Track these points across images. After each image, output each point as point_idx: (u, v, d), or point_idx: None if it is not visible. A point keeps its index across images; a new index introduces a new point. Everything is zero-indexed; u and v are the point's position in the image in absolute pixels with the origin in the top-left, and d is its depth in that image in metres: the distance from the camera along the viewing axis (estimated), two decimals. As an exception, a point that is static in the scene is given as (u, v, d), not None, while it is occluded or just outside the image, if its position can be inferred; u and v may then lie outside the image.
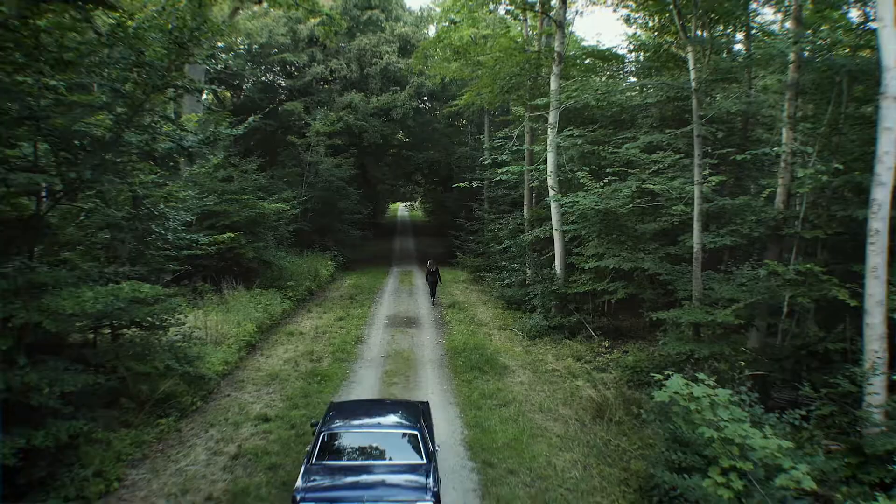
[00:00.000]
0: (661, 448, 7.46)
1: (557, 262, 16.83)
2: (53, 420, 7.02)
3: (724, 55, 17.36)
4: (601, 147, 13.61)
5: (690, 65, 10.87)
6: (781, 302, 10.72)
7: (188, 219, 10.41)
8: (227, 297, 17.39)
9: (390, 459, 6.89)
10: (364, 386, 11.69)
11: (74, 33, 6.62)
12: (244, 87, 36.10)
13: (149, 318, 10.84)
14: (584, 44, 23.98)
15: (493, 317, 18.64)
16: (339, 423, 7.35)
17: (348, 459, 6.89)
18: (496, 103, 19.35)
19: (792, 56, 12.37)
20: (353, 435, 7.20)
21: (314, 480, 6.50)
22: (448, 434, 9.47)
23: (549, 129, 15.71)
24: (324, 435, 7.08)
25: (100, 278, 7.97)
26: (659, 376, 6.50)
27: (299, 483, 6.46)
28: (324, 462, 6.79)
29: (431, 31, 37.53)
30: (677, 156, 14.17)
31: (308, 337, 15.56)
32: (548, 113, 16.24)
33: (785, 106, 13.15)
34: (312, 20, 34.70)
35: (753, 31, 16.11)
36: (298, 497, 6.28)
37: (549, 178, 16.39)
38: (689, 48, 10.80)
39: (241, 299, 17.50)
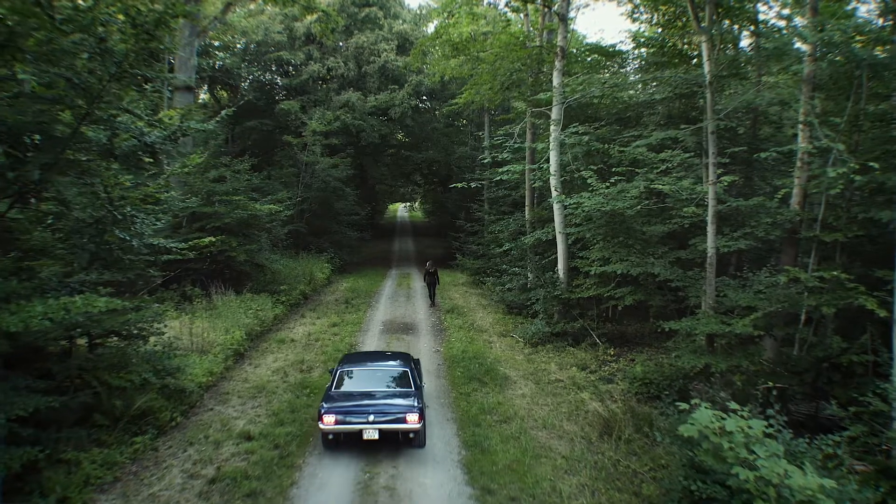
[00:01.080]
0: (678, 476, 6.75)
1: (560, 266, 16.14)
2: (5, 447, 6.33)
3: (732, 50, 16.71)
4: (608, 145, 12.90)
5: (704, 56, 10.16)
6: (799, 310, 10.03)
7: (160, 224, 9.63)
8: (216, 303, 16.71)
9: (388, 388, 9.27)
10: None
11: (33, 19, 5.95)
12: (241, 86, 35.38)
13: (126, 328, 10.21)
14: (588, 41, 23.36)
15: (493, 322, 17.95)
16: (349, 365, 9.89)
17: (358, 388, 9.25)
18: (497, 101, 18.67)
19: (808, 48, 11.70)
20: (361, 372, 9.67)
21: (334, 401, 8.85)
22: (444, 454, 8.78)
23: (551, 126, 15.00)
24: (339, 372, 9.59)
25: (62, 288, 7.28)
26: (683, 405, 5.78)
27: (323, 404, 8.79)
28: (340, 390, 9.21)
29: (430, 29, 36.86)
30: (686, 154, 13.49)
31: (300, 345, 14.85)
32: (550, 109, 15.55)
33: (801, 102, 12.48)
34: (309, 17, 34.05)
35: (761, 27, 15.43)
36: (322, 411, 8.63)
37: (551, 178, 15.69)
38: (702, 39, 10.10)
39: (232, 304, 16.83)
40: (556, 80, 15.61)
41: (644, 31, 20.00)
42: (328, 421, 8.55)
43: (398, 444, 8.87)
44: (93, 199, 6.91)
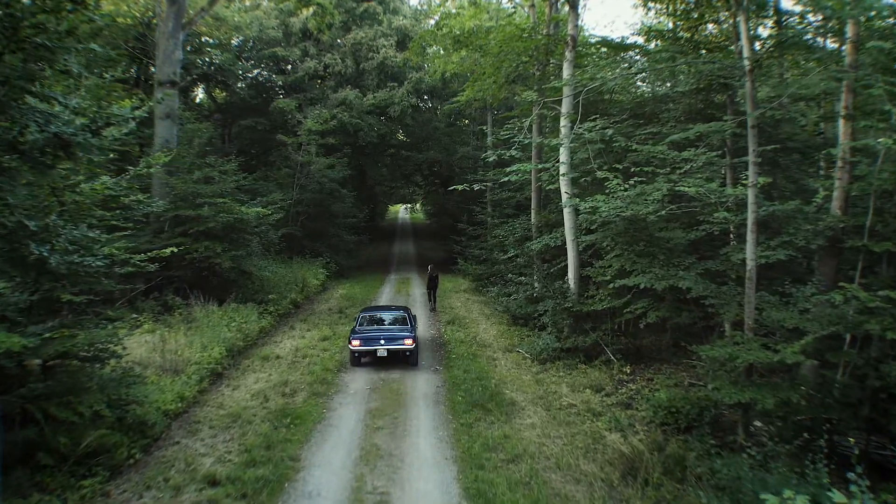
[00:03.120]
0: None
1: (571, 275, 14.79)
2: None
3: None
4: (627, 141, 11.54)
5: (743, 37, 8.80)
6: (858, 333, 8.67)
7: (91, 234, 8.25)
8: (196, 314, 15.40)
9: (393, 324, 13.89)
10: (341, 432, 9.64)
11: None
12: (234, 85, 34.08)
13: (82, 349, 8.93)
14: (593, 37, 22.00)
15: (497, 335, 16.60)
16: (367, 313, 14.80)
17: (374, 324, 13.95)
18: (501, 95, 17.42)
19: (850, 30, 10.36)
20: (375, 316, 14.45)
21: (358, 333, 13.35)
22: (442, 505, 7.46)
23: (562, 120, 13.63)
24: (361, 317, 14.34)
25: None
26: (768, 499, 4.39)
27: (351, 335, 13.40)
28: (363, 326, 13.78)
29: (431, 24, 35.57)
30: (713, 153, 12.15)
31: (285, 362, 13.53)
32: (559, 104, 14.21)
33: (842, 95, 11.14)
34: (305, 12, 32.76)
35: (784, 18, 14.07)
36: (352, 338, 13.22)
37: (561, 178, 14.35)
38: (739, 17, 8.75)
39: (214, 316, 15.52)
40: (566, 72, 14.28)
41: (654, 24, 18.69)
42: (355, 344, 13.17)
43: (399, 360, 13.41)
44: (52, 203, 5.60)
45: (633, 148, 12.14)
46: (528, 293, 16.39)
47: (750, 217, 8.89)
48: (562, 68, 15.40)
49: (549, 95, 13.32)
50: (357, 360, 13.30)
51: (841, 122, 11.17)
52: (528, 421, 10.25)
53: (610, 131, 11.33)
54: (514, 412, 10.62)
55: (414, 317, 14.91)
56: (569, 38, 14.48)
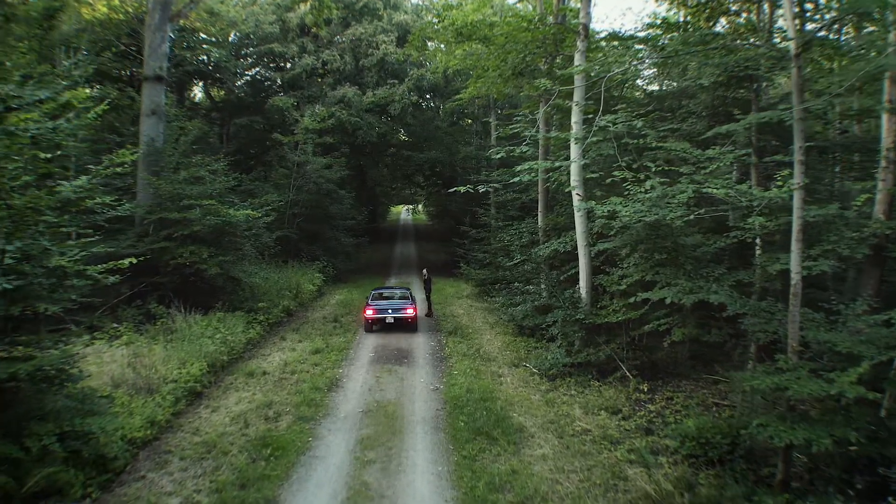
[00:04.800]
0: None
1: (582, 284, 13.66)
2: None
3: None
4: (646, 138, 10.41)
5: (788, 16, 7.66)
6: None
7: (44, 242, 7.25)
8: (178, 325, 14.30)
9: (397, 298, 18.18)
10: (327, 466, 8.52)
11: None
12: (230, 82, 33.02)
13: (36, 372, 7.85)
14: (602, 33, 20.88)
15: (502, 347, 15.48)
16: (377, 290, 19.46)
17: (384, 300, 18.12)
18: (507, 90, 16.29)
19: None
20: (384, 292, 19.13)
21: (372, 304, 17.51)
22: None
23: (573, 113, 12.48)
24: (373, 293, 18.75)
25: None
26: None
27: (366, 307, 17.52)
28: (375, 301, 17.85)
29: (434, 19, 34.47)
30: (742, 152, 11.03)
31: (272, 379, 12.43)
32: (572, 102, 13.10)
33: (885, 88, 10.02)
34: (303, 6, 31.72)
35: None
36: (367, 307, 17.49)
37: (572, 179, 13.24)
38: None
39: (197, 327, 14.42)
40: (578, 63, 13.17)
41: (668, 16, 17.53)
42: (369, 314, 17.10)
43: (403, 327, 17.18)
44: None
45: (653, 145, 11.03)
46: (536, 303, 15.25)
47: (795, 223, 7.76)
48: (571, 61, 14.30)
49: (564, 83, 12.16)
50: (370, 326, 17.22)
51: (885, 116, 10.05)
52: (538, 451, 9.12)
53: (639, 123, 10.17)
54: (523, 440, 9.50)
55: (413, 297, 18.78)
56: (580, 27, 13.36)
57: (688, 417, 9.86)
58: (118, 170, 9.01)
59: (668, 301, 8.96)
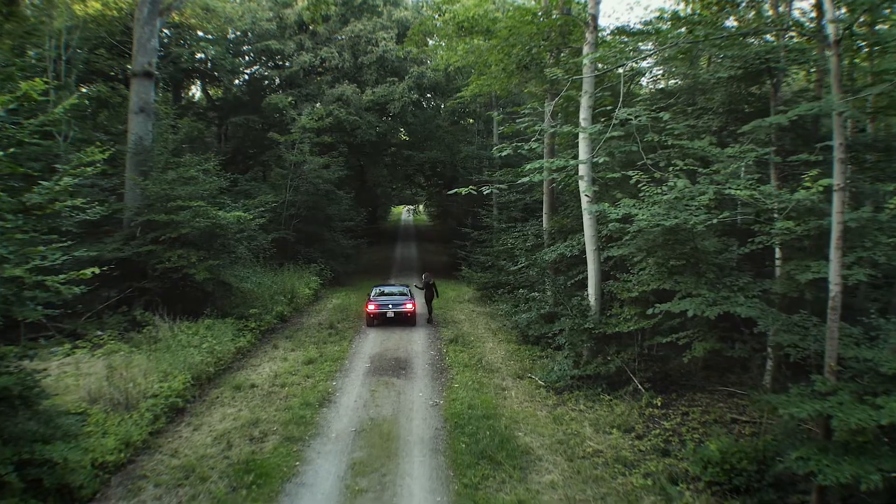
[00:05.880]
0: None
1: (591, 291, 12.88)
2: None
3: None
4: (674, 132, 9.59)
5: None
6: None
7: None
8: (163, 333, 13.55)
9: (398, 295, 18.93)
10: (314, 496, 7.74)
11: None
12: (225, 80, 32.26)
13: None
14: (608, 28, 20.12)
15: (505, 356, 14.69)
16: (379, 288, 19.89)
17: (384, 296, 18.75)
18: (511, 85, 15.53)
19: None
20: (385, 290, 19.69)
21: (374, 299, 18.36)
22: None
23: (582, 104, 11.68)
24: (375, 290, 19.31)
25: None
26: None
27: (368, 302, 18.40)
28: (377, 297, 18.55)
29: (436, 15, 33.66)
30: (764, 151, 10.22)
31: (260, 393, 11.65)
32: (581, 93, 12.30)
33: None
34: (301, 2, 30.97)
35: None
36: (368, 302, 18.36)
37: (580, 179, 12.46)
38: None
39: (184, 335, 13.67)
40: (586, 60, 12.37)
41: (678, 10, 16.72)
42: (371, 308, 17.93)
43: (402, 322, 17.95)
44: None
45: (670, 143, 10.24)
46: (542, 311, 14.44)
47: (835, 228, 6.96)
48: (578, 55, 13.52)
49: (578, 72, 11.34)
50: (372, 321, 17.93)
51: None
52: (547, 478, 8.33)
53: (666, 115, 9.34)
54: (530, 464, 8.71)
55: (412, 294, 19.49)
56: (589, 17, 12.58)
57: (709, 439, 9.07)
58: (88, 170, 8.25)
59: (690, 314, 8.16)
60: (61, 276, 7.00)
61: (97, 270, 7.16)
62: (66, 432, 8.38)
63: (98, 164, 8.61)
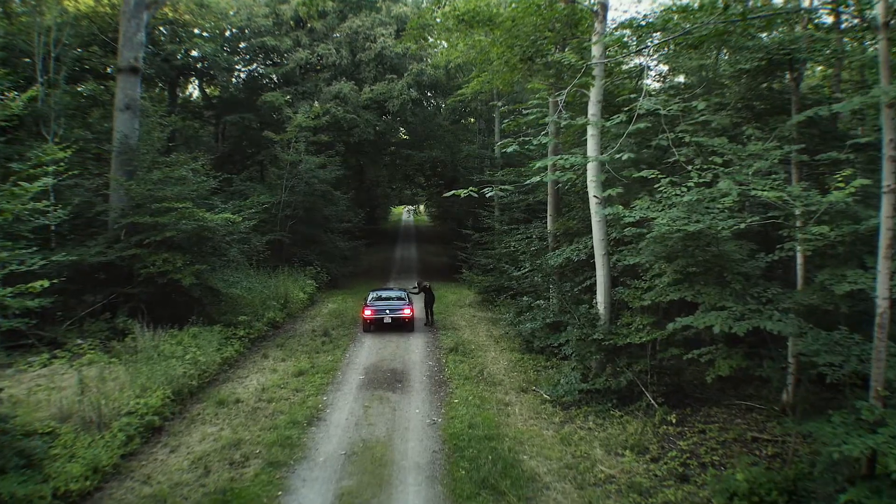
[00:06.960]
0: None
1: (600, 298, 12.06)
2: None
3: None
4: (685, 131, 8.80)
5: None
6: None
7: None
8: (143, 343, 12.76)
9: (395, 300, 18.29)
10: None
11: None
12: (220, 77, 31.46)
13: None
14: (615, 22, 19.26)
15: (508, 367, 13.88)
16: (375, 293, 19.31)
17: (381, 301, 18.19)
18: (514, 79, 14.73)
19: None
20: (382, 295, 19.03)
21: (370, 305, 17.74)
22: None
23: (591, 91, 10.84)
24: (371, 295, 18.78)
25: None
26: None
27: (364, 307, 17.77)
28: (374, 302, 17.97)
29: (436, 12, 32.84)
30: (789, 148, 9.40)
31: (245, 409, 10.85)
32: (589, 92, 11.49)
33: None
34: (297, -3, 30.20)
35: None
36: (364, 308, 17.71)
37: (589, 181, 11.65)
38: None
39: (167, 344, 12.89)
40: (596, 50, 11.57)
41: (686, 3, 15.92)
42: (367, 314, 17.36)
43: (399, 327, 17.40)
44: None
45: (686, 140, 9.43)
46: (547, 320, 13.62)
47: (884, 235, 6.15)
48: (585, 49, 12.72)
49: (583, 55, 10.52)
50: (368, 326, 17.41)
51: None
52: (555, 510, 7.53)
53: (700, 104, 8.51)
54: (537, 494, 7.90)
55: (410, 298, 18.90)
56: (598, 6, 11.78)
57: (730, 462, 8.28)
58: (49, 169, 7.46)
59: (716, 330, 7.35)
60: (9, 290, 6.20)
61: (46, 283, 6.36)
62: (30, 457, 7.65)
63: (62, 164, 7.78)
